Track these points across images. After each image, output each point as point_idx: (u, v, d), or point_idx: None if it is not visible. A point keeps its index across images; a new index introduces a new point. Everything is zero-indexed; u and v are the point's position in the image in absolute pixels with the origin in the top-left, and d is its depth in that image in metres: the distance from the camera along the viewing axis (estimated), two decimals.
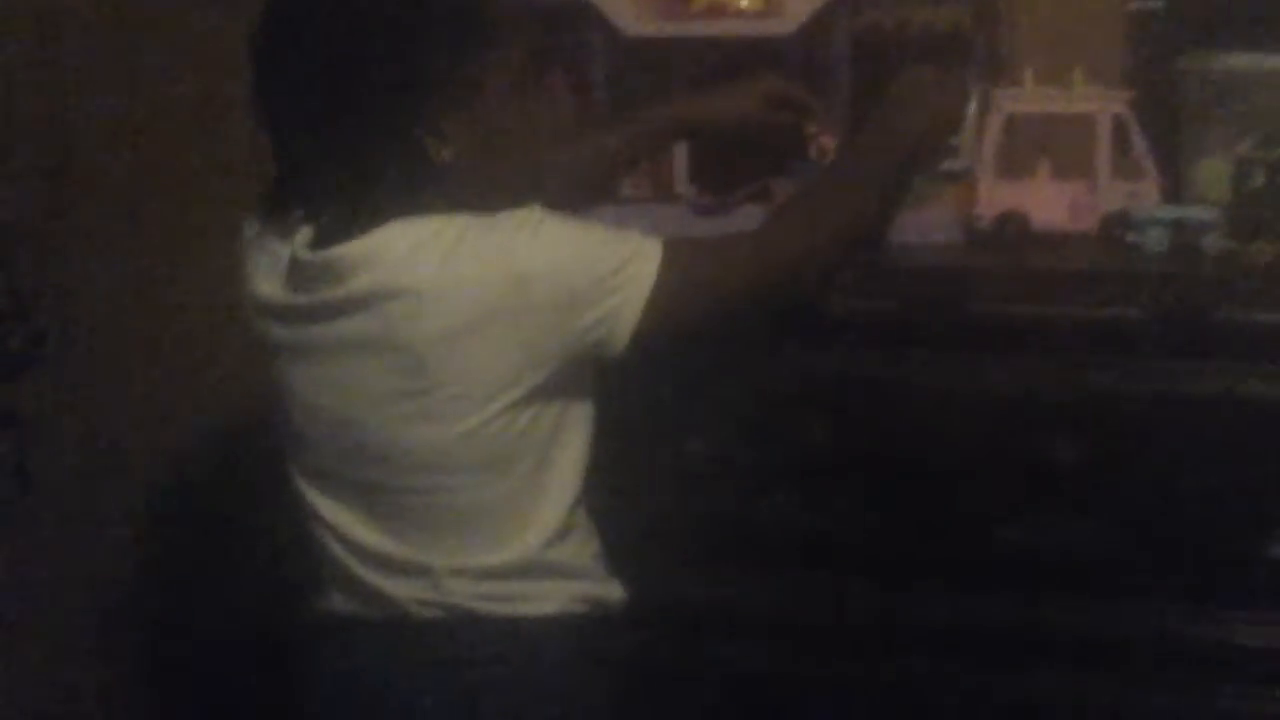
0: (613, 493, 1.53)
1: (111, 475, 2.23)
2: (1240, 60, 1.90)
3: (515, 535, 1.45)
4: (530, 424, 1.43)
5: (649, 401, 1.69)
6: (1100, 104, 1.89)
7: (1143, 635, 1.69)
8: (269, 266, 1.47)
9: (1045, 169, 1.92)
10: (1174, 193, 1.89)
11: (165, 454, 2.28)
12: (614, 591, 1.53)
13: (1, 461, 1.89)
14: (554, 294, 1.39)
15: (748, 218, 1.83)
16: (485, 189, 1.42)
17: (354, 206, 1.40)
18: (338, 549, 1.49)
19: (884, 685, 1.75)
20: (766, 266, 1.54)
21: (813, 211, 1.60)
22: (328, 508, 1.49)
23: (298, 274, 1.43)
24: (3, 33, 2.28)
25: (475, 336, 1.38)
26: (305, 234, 1.42)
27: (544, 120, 1.49)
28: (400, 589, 1.46)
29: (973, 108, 1.85)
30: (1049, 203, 1.89)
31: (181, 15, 2.28)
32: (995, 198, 1.88)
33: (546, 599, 1.47)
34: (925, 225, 1.84)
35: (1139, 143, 1.88)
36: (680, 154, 2.00)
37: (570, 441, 1.47)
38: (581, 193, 1.82)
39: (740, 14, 1.96)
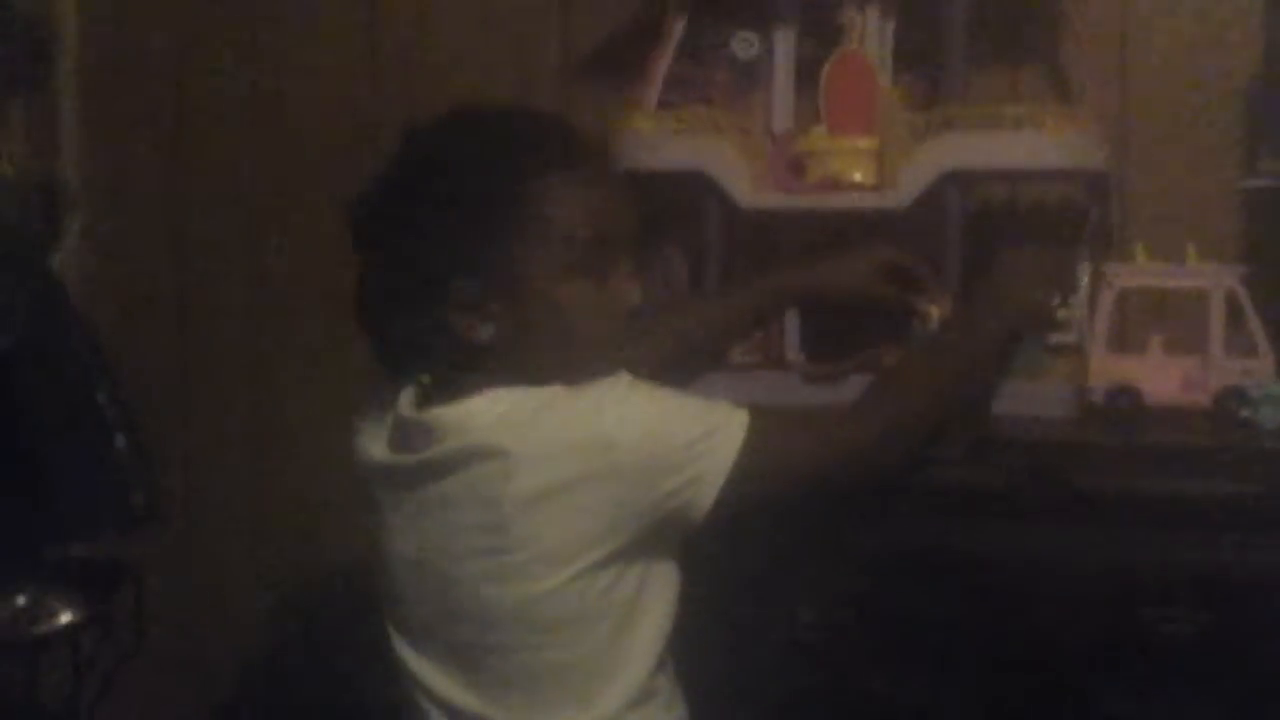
0: (716, 657, 1.52)
1: (221, 630, 2.28)
2: None
3: (593, 698, 1.46)
4: (610, 587, 1.45)
5: (764, 568, 1.69)
6: (1213, 280, 1.88)
7: None
8: (376, 428, 1.52)
9: (1158, 343, 1.91)
10: None
11: (273, 611, 2.32)
12: None
13: (119, 614, 1.93)
14: (638, 461, 1.42)
15: (857, 386, 1.83)
16: (551, 364, 1.45)
17: (440, 376, 1.46)
18: (427, 705, 1.52)
19: None
20: (852, 444, 1.55)
21: (904, 391, 1.61)
22: (418, 664, 1.52)
23: (399, 433, 1.49)
24: (137, 189, 2.39)
25: (560, 500, 1.41)
26: (409, 395, 1.49)
27: (621, 298, 1.49)
28: None
29: (1084, 282, 1.86)
30: (1161, 377, 1.88)
31: (305, 161, 2.38)
32: (1107, 371, 1.87)
33: None
34: (1036, 398, 1.83)
35: (1253, 318, 1.87)
36: (791, 321, 2.02)
37: (652, 606, 1.49)
38: (692, 359, 1.85)
39: (854, 187, 1.98)
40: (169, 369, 2.39)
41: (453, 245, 1.44)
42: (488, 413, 1.43)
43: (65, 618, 1.87)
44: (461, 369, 1.46)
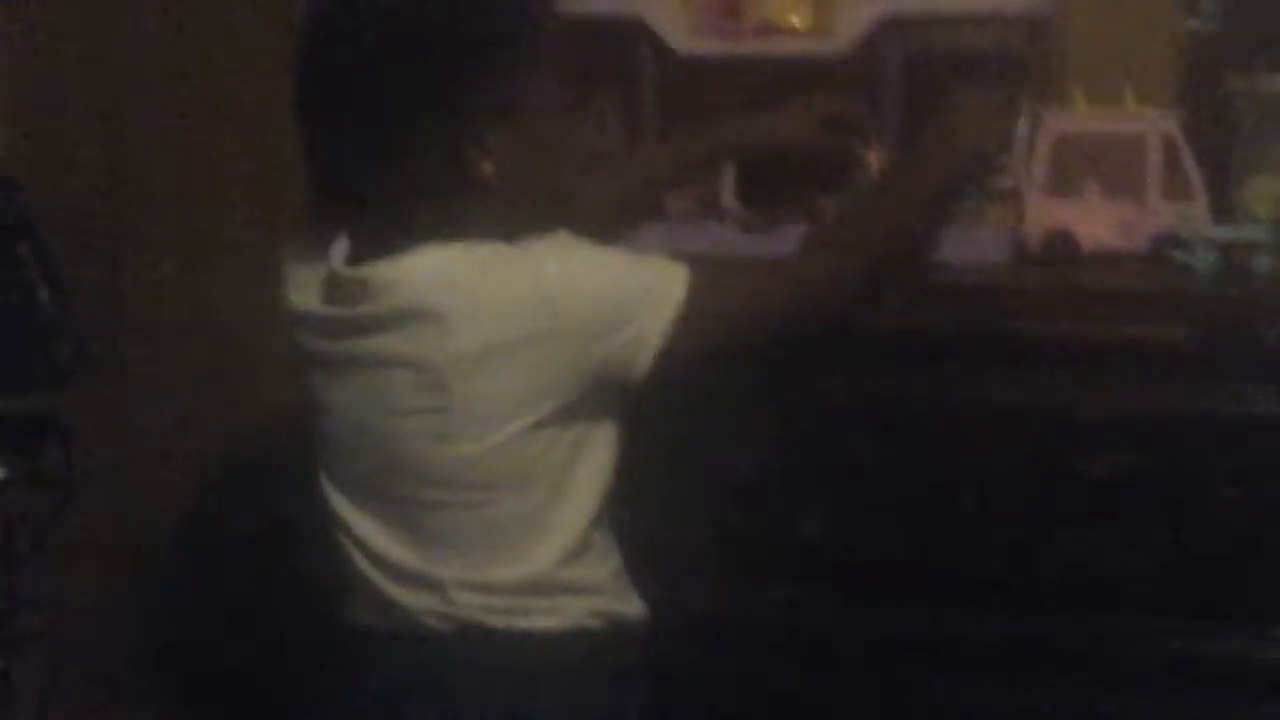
0: (651, 502, 1.53)
1: (150, 483, 2.28)
2: None
3: (528, 552, 1.46)
4: (550, 445, 1.44)
5: (702, 411, 1.69)
6: (1151, 124, 1.88)
7: (1180, 652, 1.68)
8: (307, 279, 1.48)
9: (1095, 188, 1.91)
10: (1224, 213, 1.87)
11: (203, 463, 2.33)
12: (633, 606, 1.52)
13: (46, 470, 1.92)
14: (578, 320, 1.40)
15: (794, 235, 1.82)
16: (523, 209, 1.44)
17: (390, 224, 1.42)
18: (360, 560, 1.50)
19: (923, 706, 1.74)
20: (796, 294, 1.54)
21: (848, 238, 1.59)
22: (354, 518, 1.51)
23: (334, 288, 1.45)
24: (61, 43, 2.33)
25: (499, 360, 1.39)
26: (342, 248, 1.45)
27: (587, 139, 1.49)
28: (414, 601, 1.47)
29: (1022, 127, 1.84)
30: (1098, 222, 1.88)
31: (233, 23, 2.32)
32: (1044, 217, 1.88)
33: (557, 614, 1.47)
34: (973, 244, 1.83)
35: (1189, 163, 1.87)
36: (727, 171, 2.00)
37: (591, 462, 1.48)
38: (628, 212, 1.83)
39: (792, 33, 1.96)
40: (98, 220, 2.34)
41: (466, 80, 1.41)
42: (425, 270, 1.40)
43: None
44: (442, 214, 1.41)
